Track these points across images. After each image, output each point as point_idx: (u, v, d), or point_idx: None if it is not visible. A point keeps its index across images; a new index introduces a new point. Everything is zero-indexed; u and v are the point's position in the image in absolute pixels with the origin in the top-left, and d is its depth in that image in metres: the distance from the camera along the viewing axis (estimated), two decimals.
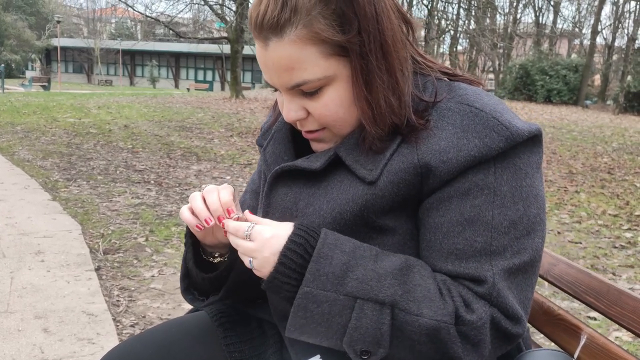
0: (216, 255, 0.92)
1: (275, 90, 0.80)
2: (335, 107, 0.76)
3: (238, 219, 0.77)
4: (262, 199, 0.86)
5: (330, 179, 0.79)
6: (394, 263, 0.72)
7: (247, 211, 0.79)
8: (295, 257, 0.72)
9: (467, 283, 0.72)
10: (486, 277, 0.70)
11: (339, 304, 0.70)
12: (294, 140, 0.88)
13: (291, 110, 0.78)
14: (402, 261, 0.73)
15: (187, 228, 0.88)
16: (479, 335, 0.69)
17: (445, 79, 0.81)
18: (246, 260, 0.75)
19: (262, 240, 0.73)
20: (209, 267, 0.92)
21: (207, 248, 0.91)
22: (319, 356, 0.79)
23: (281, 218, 0.81)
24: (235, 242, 0.76)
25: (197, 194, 0.81)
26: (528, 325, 0.82)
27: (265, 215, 0.84)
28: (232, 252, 0.88)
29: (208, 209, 0.80)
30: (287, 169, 0.81)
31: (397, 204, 0.75)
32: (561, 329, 0.87)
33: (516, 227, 0.71)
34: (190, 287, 0.95)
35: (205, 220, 0.79)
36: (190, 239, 0.90)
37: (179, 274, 3.10)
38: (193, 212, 0.82)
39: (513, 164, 0.72)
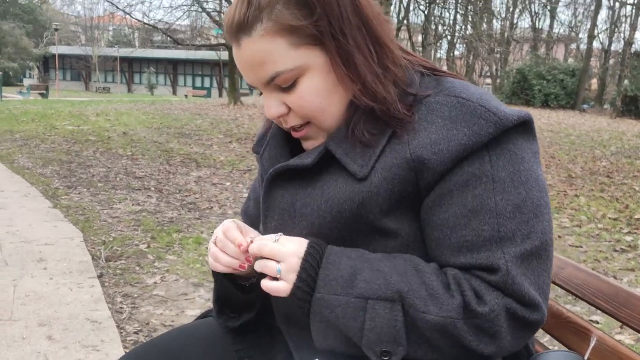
0: (253, 279, 0.92)
1: (261, 93, 0.82)
2: (311, 97, 0.77)
3: (252, 241, 0.79)
4: (261, 203, 0.86)
5: (326, 178, 0.79)
6: (398, 265, 0.73)
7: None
8: (314, 262, 0.74)
9: (479, 273, 0.71)
10: (499, 265, 0.70)
11: (351, 306, 0.71)
12: (290, 144, 0.89)
13: (272, 107, 0.79)
14: (407, 263, 0.74)
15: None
16: (494, 326, 0.69)
17: (429, 73, 0.82)
18: (273, 269, 0.75)
19: (293, 244, 0.76)
20: (245, 290, 0.92)
21: (241, 277, 0.92)
22: None
23: (280, 220, 0.82)
24: (265, 243, 0.77)
25: (217, 252, 0.84)
26: None
27: (265, 218, 0.85)
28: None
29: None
30: (280, 169, 0.82)
31: (395, 202, 0.75)
32: (571, 332, 0.88)
33: (521, 210, 0.71)
34: (222, 308, 0.95)
35: (241, 266, 0.82)
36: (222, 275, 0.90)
37: (181, 281, 3.08)
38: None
39: (507, 149, 0.73)
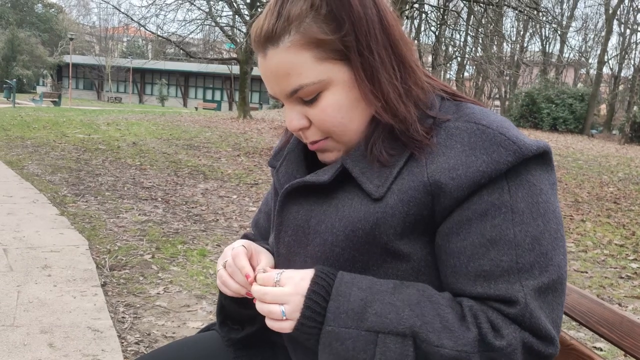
0: None
1: (282, 106, 0.83)
2: (333, 112, 0.78)
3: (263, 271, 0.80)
4: (275, 218, 0.87)
5: (341, 196, 0.79)
6: (411, 296, 0.72)
7: (267, 267, 0.81)
8: (319, 298, 0.73)
9: (497, 305, 0.71)
10: (517, 298, 0.69)
11: (362, 339, 0.70)
12: (307, 159, 0.90)
13: (293, 120, 0.80)
14: (420, 293, 0.73)
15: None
16: None
17: (449, 98, 0.82)
18: (278, 313, 0.74)
19: (294, 284, 0.74)
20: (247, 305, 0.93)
21: None
22: None
23: (293, 235, 0.82)
24: (265, 291, 0.76)
25: (226, 278, 0.84)
26: None
27: (278, 233, 0.85)
28: None
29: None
30: (297, 185, 0.82)
31: (410, 224, 0.75)
32: (573, 359, 0.88)
33: (540, 242, 0.71)
34: (225, 319, 0.96)
35: (248, 294, 0.82)
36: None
37: (184, 293, 3.08)
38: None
39: (526, 180, 0.72)
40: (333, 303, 0.72)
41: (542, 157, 0.75)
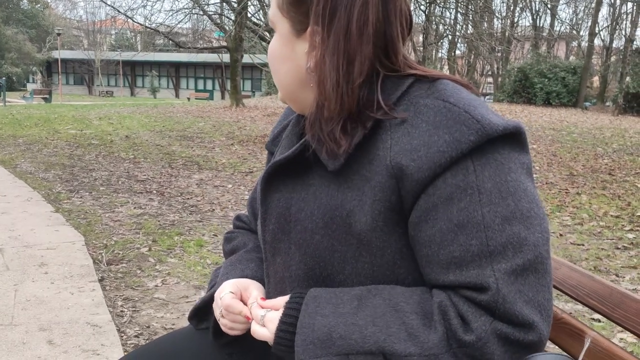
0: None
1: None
2: (270, 52, 0.84)
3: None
4: (259, 206, 0.86)
5: (318, 183, 0.79)
6: (377, 308, 0.72)
7: (258, 299, 0.84)
8: (287, 335, 0.75)
9: (469, 294, 0.68)
10: (489, 284, 0.66)
11: None
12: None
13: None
14: (386, 303, 0.72)
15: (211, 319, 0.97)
16: (485, 355, 0.66)
17: (426, 75, 0.78)
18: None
19: (272, 328, 0.78)
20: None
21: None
22: None
23: (277, 223, 0.83)
24: (254, 329, 0.82)
25: (231, 325, 0.89)
26: None
27: (264, 221, 0.85)
28: None
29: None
30: (271, 170, 0.82)
31: (379, 212, 0.73)
32: (565, 333, 0.88)
33: (510, 222, 0.68)
34: (200, 323, 1.01)
35: (247, 317, 0.87)
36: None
37: (182, 284, 3.07)
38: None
39: (493, 159, 0.69)
40: (299, 336, 0.73)
41: (513, 138, 0.72)
